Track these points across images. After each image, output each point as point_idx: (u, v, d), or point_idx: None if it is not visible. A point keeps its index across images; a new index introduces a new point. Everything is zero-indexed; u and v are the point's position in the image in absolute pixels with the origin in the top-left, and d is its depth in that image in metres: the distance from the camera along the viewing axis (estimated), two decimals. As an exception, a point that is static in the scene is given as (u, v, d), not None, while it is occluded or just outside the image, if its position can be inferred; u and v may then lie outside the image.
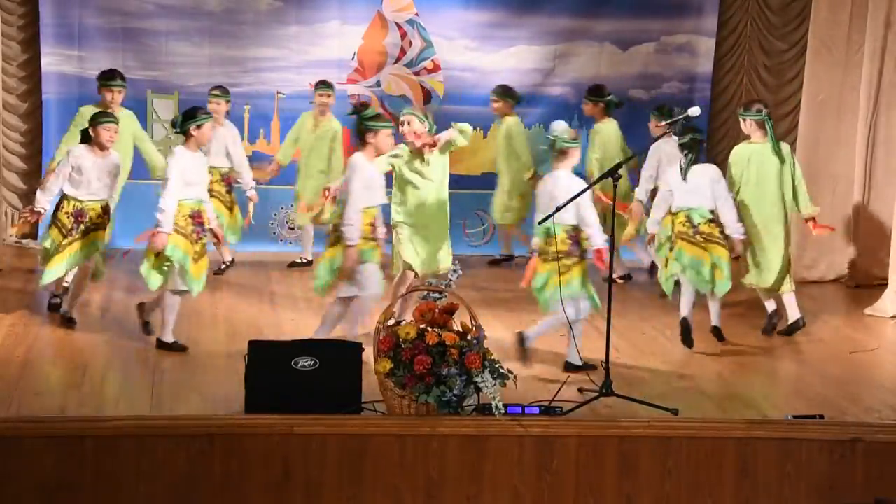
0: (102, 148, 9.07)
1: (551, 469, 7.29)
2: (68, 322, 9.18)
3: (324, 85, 11.71)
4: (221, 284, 10.93)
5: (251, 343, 7.52)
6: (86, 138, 9.12)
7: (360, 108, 8.96)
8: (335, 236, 8.75)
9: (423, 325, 7.35)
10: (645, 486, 7.37)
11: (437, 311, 7.39)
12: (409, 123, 9.13)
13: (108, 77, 10.52)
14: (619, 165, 8.17)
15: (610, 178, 8.12)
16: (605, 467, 7.33)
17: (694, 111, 8.82)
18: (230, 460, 7.08)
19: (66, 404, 7.57)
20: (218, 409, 7.54)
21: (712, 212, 9.33)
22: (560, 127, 9.26)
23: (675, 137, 9.64)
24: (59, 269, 9.09)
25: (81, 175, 9.03)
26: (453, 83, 12.68)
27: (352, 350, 7.53)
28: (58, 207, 9.11)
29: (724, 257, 9.27)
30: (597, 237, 8.50)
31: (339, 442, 7.16)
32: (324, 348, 7.54)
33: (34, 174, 12.33)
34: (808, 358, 9.28)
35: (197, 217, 8.76)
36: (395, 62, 12.62)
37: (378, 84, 12.64)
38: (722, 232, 9.32)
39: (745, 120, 9.84)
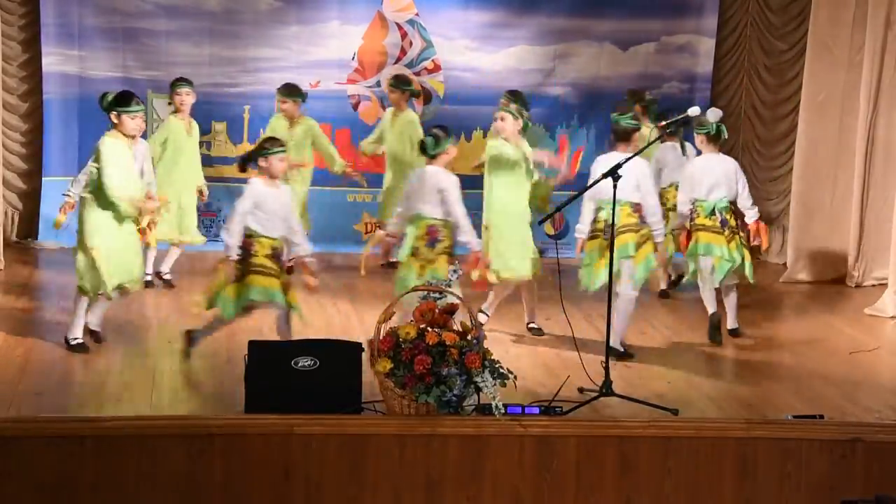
0: (274, 177, 8.32)
1: (551, 469, 7.29)
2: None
3: (183, 82, 10.94)
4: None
5: (251, 343, 7.51)
6: (241, 167, 8.40)
7: (620, 109, 9.22)
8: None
9: (423, 325, 7.35)
10: (645, 486, 7.37)
11: (437, 311, 7.39)
12: (502, 119, 9.49)
13: (125, 101, 8.68)
14: (619, 165, 8.16)
15: (608, 178, 8.13)
16: (605, 467, 7.33)
17: (693, 111, 8.82)
18: (230, 460, 7.08)
19: (66, 404, 7.57)
20: (218, 409, 7.54)
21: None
22: (715, 115, 9.36)
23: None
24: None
25: (263, 211, 8.25)
26: (454, 83, 12.68)
27: (352, 350, 7.53)
28: (250, 254, 8.20)
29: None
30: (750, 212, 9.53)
31: (339, 442, 7.16)
32: (324, 348, 7.54)
33: (34, 174, 12.33)
34: (808, 358, 9.28)
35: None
36: (396, 62, 12.62)
37: (378, 84, 12.64)
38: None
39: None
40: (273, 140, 8.50)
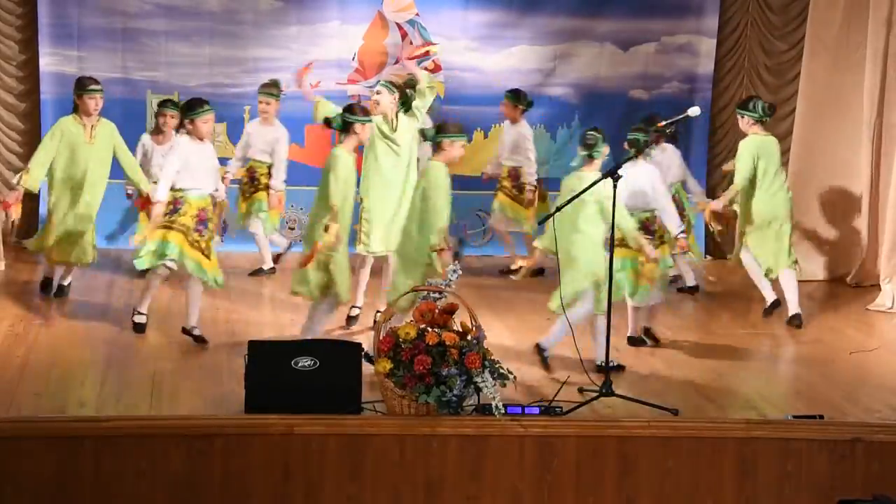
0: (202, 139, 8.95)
1: (551, 469, 7.29)
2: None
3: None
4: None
5: (251, 343, 7.51)
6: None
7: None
8: None
9: (423, 325, 7.35)
10: (645, 486, 7.36)
11: (437, 311, 7.39)
12: (378, 93, 9.73)
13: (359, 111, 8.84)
14: (618, 165, 8.15)
15: (609, 178, 8.12)
16: (605, 467, 7.33)
17: (693, 111, 8.82)
18: (230, 460, 7.08)
19: (66, 404, 7.57)
20: (218, 409, 7.54)
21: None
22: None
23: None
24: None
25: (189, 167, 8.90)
26: (454, 83, 12.67)
27: (352, 350, 7.53)
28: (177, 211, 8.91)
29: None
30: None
31: (339, 442, 7.16)
32: (324, 348, 7.54)
33: (33, 174, 12.31)
34: (808, 358, 9.28)
35: None
36: (396, 62, 12.62)
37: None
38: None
39: (742, 117, 10.01)
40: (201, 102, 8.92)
